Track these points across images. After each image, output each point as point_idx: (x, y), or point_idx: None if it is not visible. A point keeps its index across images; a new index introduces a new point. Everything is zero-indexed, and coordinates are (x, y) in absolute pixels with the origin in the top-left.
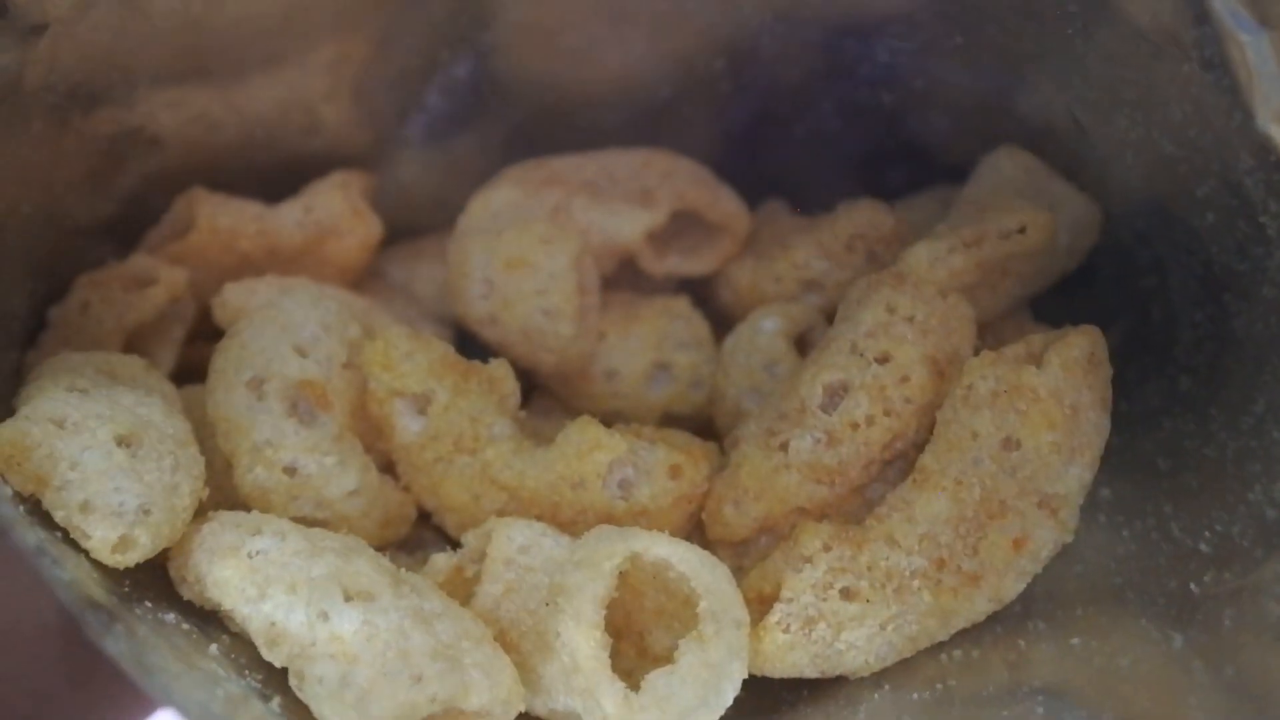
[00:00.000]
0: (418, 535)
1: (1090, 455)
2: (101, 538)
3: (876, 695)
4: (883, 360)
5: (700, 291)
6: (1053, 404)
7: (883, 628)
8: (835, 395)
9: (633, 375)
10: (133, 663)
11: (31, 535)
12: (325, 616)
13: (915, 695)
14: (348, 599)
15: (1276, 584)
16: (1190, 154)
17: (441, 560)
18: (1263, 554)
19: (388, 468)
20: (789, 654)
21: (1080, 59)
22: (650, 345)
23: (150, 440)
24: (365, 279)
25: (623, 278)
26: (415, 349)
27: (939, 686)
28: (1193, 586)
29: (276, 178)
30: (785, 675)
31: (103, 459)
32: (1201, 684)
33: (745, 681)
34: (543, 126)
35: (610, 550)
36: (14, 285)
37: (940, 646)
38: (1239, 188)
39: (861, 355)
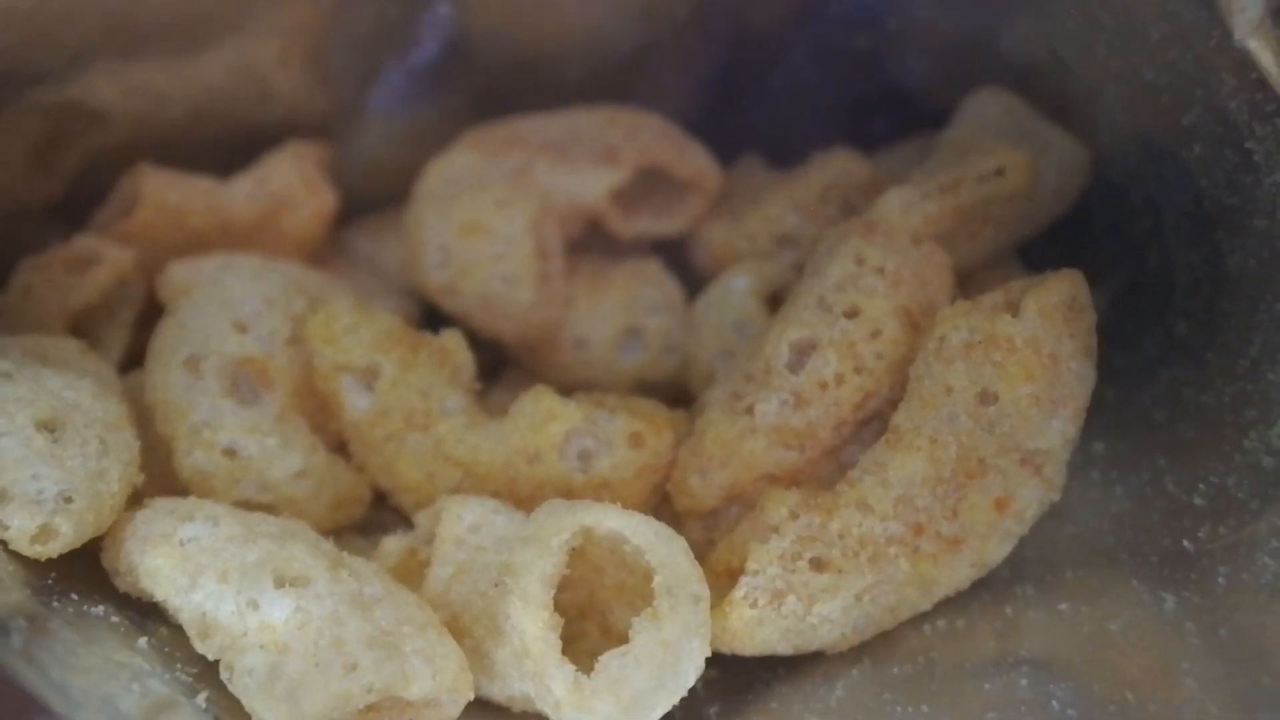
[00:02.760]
0: (377, 518)
1: (1074, 407)
2: (19, 528)
3: (855, 671)
4: (851, 314)
5: (674, 255)
6: (1030, 354)
7: (858, 599)
8: (802, 354)
9: (603, 342)
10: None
11: None
12: (255, 605)
13: (896, 669)
14: (280, 585)
15: (1272, 538)
16: (1172, 79)
17: (392, 544)
18: (1258, 506)
19: (340, 448)
20: (758, 630)
21: None
22: (620, 310)
23: (75, 425)
24: (330, 253)
25: (592, 242)
26: (359, 321)
27: (921, 659)
28: (1186, 544)
29: (230, 152)
30: (757, 653)
31: (20, 445)
32: (1194, 648)
33: (716, 660)
34: (507, 88)
35: (559, 526)
36: None
37: (923, 617)
38: (1223, 113)
39: (829, 310)
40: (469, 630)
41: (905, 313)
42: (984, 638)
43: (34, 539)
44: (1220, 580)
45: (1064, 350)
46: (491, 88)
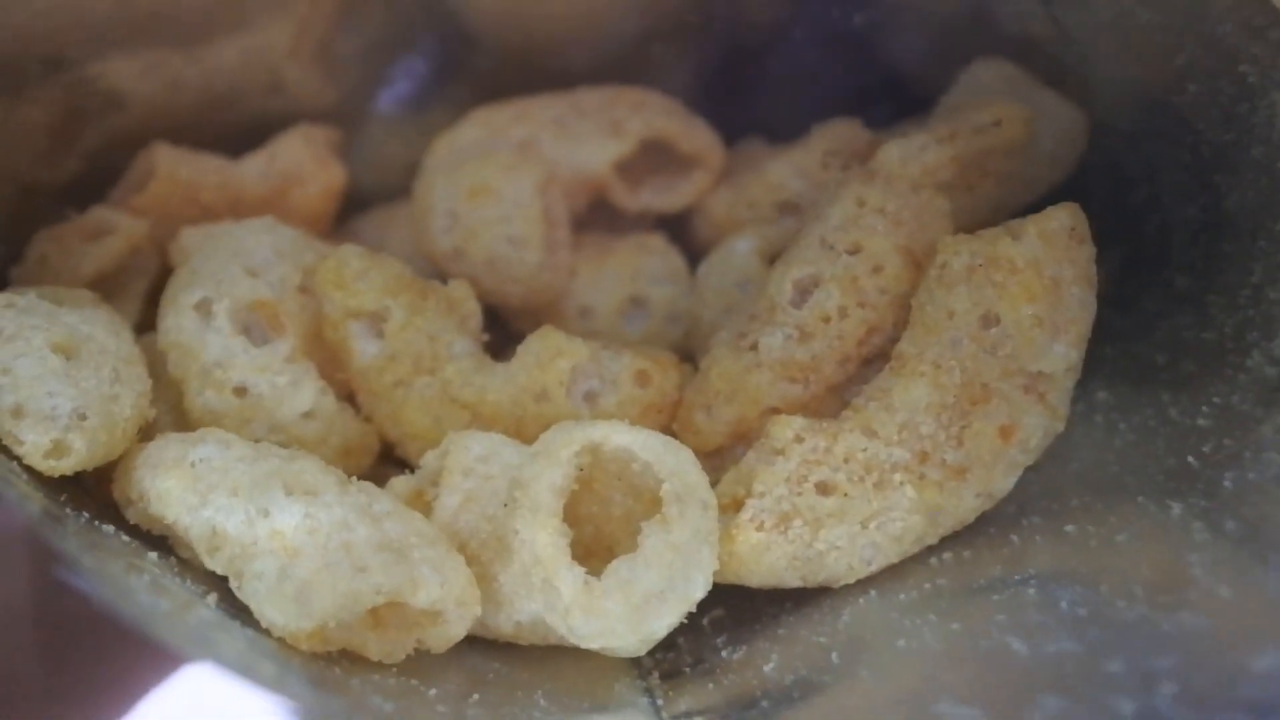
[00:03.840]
0: (383, 472)
1: (1076, 332)
2: (34, 442)
3: (862, 600)
4: (854, 251)
5: (677, 232)
6: (1031, 274)
7: (864, 526)
8: (805, 291)
9: (608, 311)
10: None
11: None
12: (266, 513)
13: (903, 596)
14: (289, 494)
15: (1274, 444)
16: (1166, 16)
17: (399, 484)
18: (1263, 412)
19: (349, 401)
20: (765, 556)
21: None
22: (625, 280)
23: (89, 352)
24: (338, 242)
25: (597, 219)
26: (369, 266)
27: (928, 586)
28: (1191, 459)
29: (240, 140)
30: (764, 583)
31: (36, 364)
32: (1202, 542)
33: (723, 596)
34: (512, 78)
35: (568, 439)
36: None
37: (929, 550)
38: (1217, 41)
39: (832, 248)
40: (476, 557)
41: (906, 251)
42: (990, 564)
43: (48, 454)
44: (1226, 484)
45: (1065, 275)
46: (497, 78)
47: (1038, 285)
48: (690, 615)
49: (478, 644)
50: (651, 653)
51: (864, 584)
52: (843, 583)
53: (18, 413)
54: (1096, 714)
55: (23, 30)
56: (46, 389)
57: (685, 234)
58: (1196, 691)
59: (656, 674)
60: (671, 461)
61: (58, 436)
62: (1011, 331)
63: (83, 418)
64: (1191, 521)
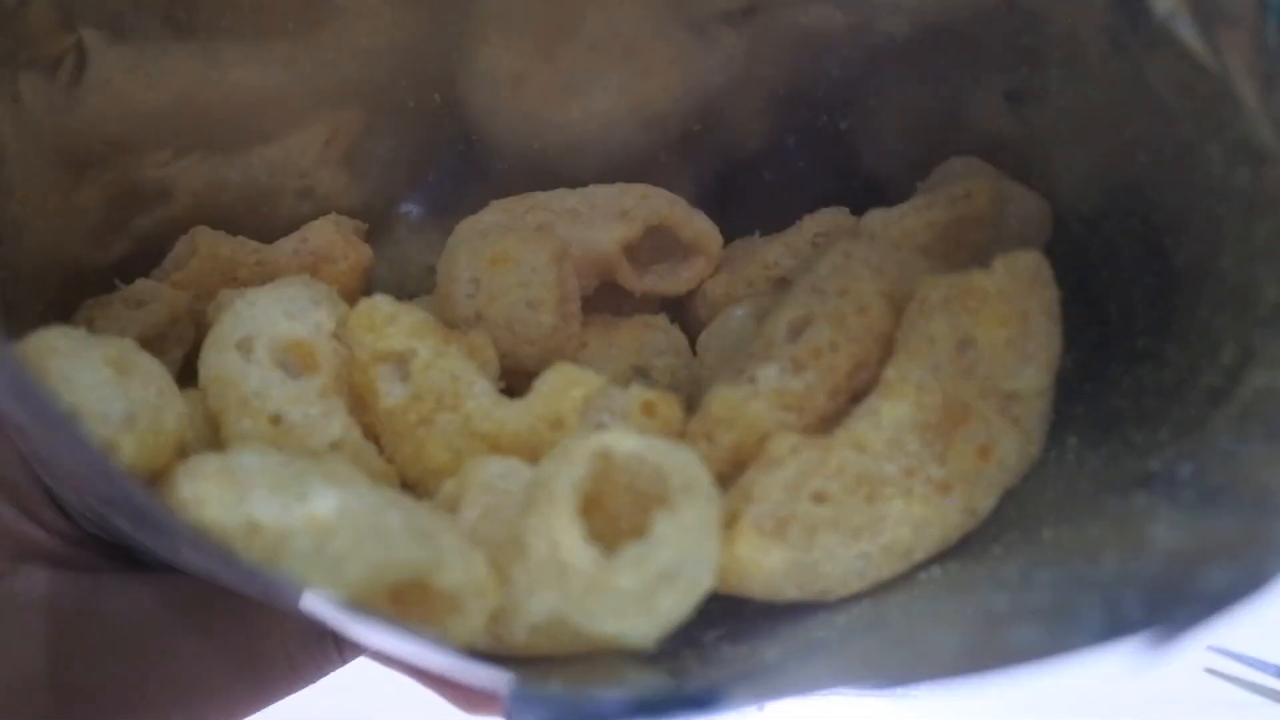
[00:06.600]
0: None
1: (1044, 359)
2: None
3: (856, 608)
4: (841, 293)
5: (678, 315)
6: (1002, 303)
7: (856, 535)
8: (798, 329)
9: (612, 380)
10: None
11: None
12: (303, 498)
13: (894, 600)
14: (325, 484)
15: (1224, 431)
16: (1114, 93)
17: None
18: (1212, 410)
19: (374, 442)
20: (766, 558)
21: None
22: (630, 353)
23: (137, 370)
24: None
25: (605, 302)
26: (398, 312)
27: (918, 591)
28: (1153, 464)
29: (272, 239)
30: (764, 591)
31: (91, 374)
32: (1163, 515)
33: (722, 615)
34: (529, 179)
35: (583, 443)
36: (27, 328)
37: (917, 566)
38: (1158, 107)
39: (822, 292)
40: (494, 562)
41: (889, 297)
42: (973, 569)
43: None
44: (1183, 471)
45: (1032, 308)
46: (514, 181)
47: (1008, 312)
48: (693, 634)
49: (493, 660)
50: (658, 661)
51: (857, 596)
52: (836, 595)
53: (73, 415)
54: (1069, 626)
55: (98, 114)
56: (100, 394)
57: (686, 317)
58: (1158, 599)
59: (665, 672)
60: (679, 458)
61: (110, 435)
62: (986, 354)
63: (133, 421)
64: (1156, 504)
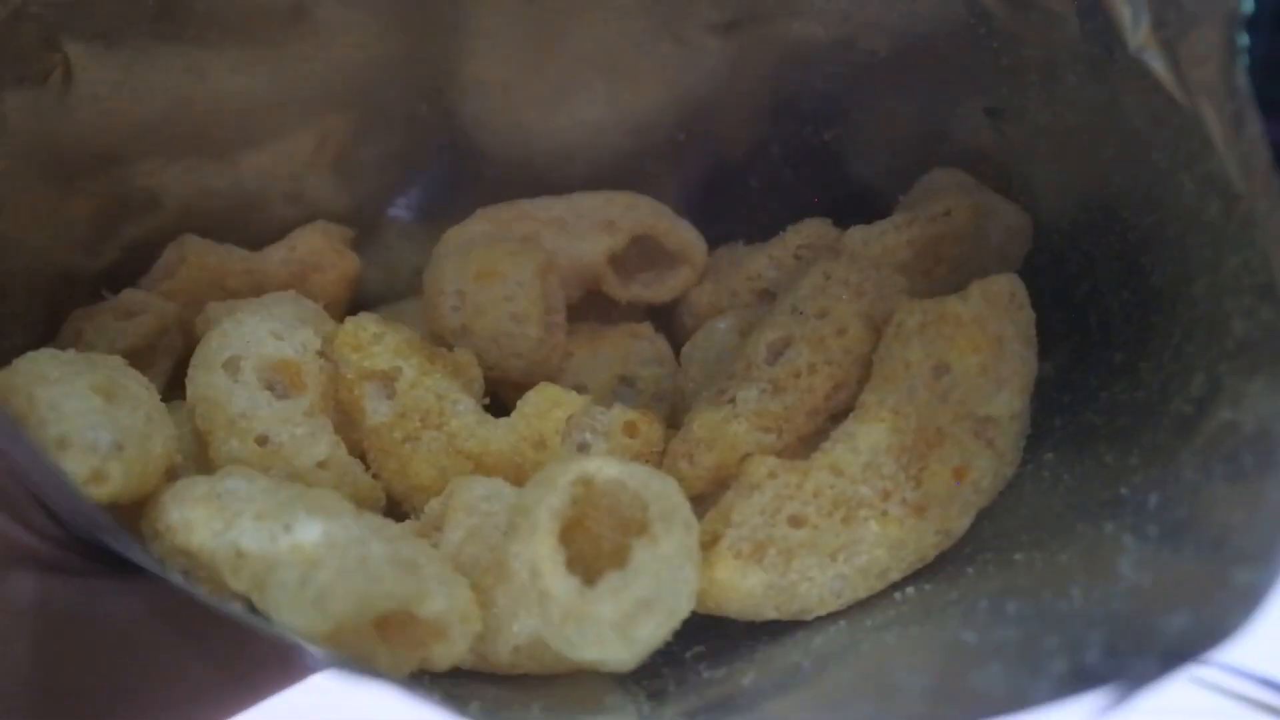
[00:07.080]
0: None
1: (1018, 384)
2: (74, 471)
3: (832, 629)
4: (820, 315)
5: (663, 323)
6: (977, 329)
7: (833, 558)
8: (778, 351)
9: (598, 389)
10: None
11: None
12: (288, 528)
13: (869, 621)
14: (310, 514)
15: (1189, 465)
16: (1090, 119)
17: (405, 527)
18: (1181, 442)
19: (360, 459)
20: (743, 581)
21: None
22: (615, 362)
23: (125, 395)
24: None
25: (591, 310)
26: (384, 331)
27: (893, 613)
28: (1123, 490)
29: (261, 244)
30: (743, 612)
31: (80, 401)
32: (1129, 546)
33: (702, 632)
34: (517, 185)
35: (565, 469)
36: (18, 337)
37: (893, 586)
38: (1132, 136)
39: (801, 314)
40: (477, 584)
41: (868, 317)
42: (948, 592)
43: (87, 481)
44: (1151, 502)
45: (1007, 332)
46: (502, 187)
47: (982, 338)
48: (673, 650)
49: (476, 676)
50: (638, 679)
51: (834, 616)
52: (814, 614)
53: (62, 444)
54: (1034, 672)
55: (86, 127)
56: (88, 423)
57: (671, 325)
58: (1119, 649)
59: (643, 694)
60: (657, 486)
61: (97, 465)
62: (960, 379)
63: (121, 448)
64: (1121, 534)
